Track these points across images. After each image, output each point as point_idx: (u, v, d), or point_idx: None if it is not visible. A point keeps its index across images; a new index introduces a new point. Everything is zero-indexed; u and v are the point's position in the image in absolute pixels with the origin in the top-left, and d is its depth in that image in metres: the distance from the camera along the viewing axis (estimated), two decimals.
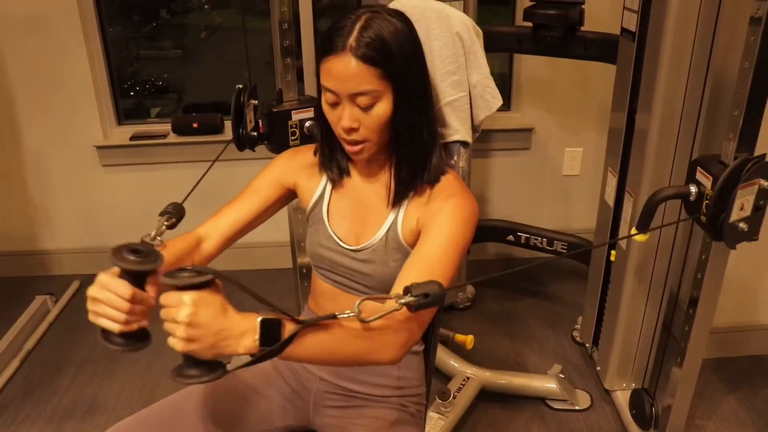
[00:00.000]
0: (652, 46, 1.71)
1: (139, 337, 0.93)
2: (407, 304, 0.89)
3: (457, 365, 2.16)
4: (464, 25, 1.25)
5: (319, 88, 1.12)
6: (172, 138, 2.68)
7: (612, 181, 2.03)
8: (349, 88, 1.05)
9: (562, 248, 2.48)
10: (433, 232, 1.08)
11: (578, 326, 2.45)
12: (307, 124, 1.97)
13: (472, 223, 1.10)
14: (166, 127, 2.72)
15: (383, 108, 1.07)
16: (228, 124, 2.69)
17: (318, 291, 1.30)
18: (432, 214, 1.11)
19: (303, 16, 1.94)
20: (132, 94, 2.83)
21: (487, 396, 2.13)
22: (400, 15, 1.10)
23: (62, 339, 2.49)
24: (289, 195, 1.30)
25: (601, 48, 2.07)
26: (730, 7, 1.58)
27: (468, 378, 2.11)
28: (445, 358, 2.19)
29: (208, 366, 0.86)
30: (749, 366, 2.30)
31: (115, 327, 0.91)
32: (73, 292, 2.78)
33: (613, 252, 1.99)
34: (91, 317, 0.92)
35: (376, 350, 0.97)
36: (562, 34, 2.11)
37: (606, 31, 2.05)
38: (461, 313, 2.61)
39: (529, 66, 2.67)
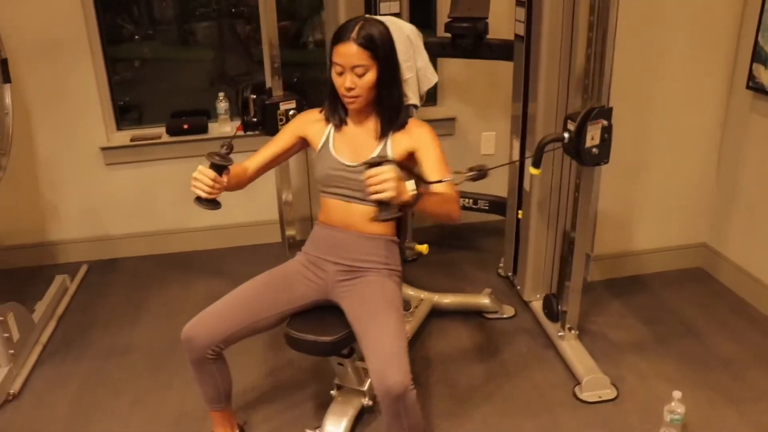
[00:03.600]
0: (535, 50, 2.46)
1: (215, 202, 1.72)
2: (473, 177, 1.69)
3: (412, 292, 2.83)
4: (412, 31, 1.96)
5: (330, 66, 1.81)
6: (166, 138, 3.24)
7: (516, 144, 2.77)
8: (351, 62, 1.75)
9: (483, 205, 3.21)
10: (428, 146, 1.84)
11: (501, 265, 3.17)
12: (291, 113, 2.62)
13: (437, 137, 1.86)
14: (158, 130, 3.28)
15: (370, 76, 1.77)
16: (212, 126, 3.29)
17: (328, 207, 1.94)
18: (418, 138, 1.85)
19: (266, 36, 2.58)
20: None
21: (437, 313, 2.81)
22: (381, 22, 1.81)
23: (85, 308, 2.99)
24: (302, 143, 1.97)
25: (502, 50, 2.83)
26: (581, 16, 2.35)
27: (422, 299, 2.79)
28: (403, 288, 2.85)
29: (395, 209, 1.53)
30: (628, 283, 3.07)
31: (203, 195, 1.68)
32: (83, 274, 3.26)
33: (520, 211, 2.75)
34: (192, 188, 1.68)
35: (454, 210, 1.72)
36: (473, 41, 2.86)
37: (506, 38, 2.81)
38: (409, 265, 3.28)
39: (450, 69, 3.41)
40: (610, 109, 2.07)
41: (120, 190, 3.31)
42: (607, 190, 2.93)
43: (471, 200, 3.25)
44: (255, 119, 2.54)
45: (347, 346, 1.90)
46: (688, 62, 2.76)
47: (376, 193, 1.50)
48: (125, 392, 2.42)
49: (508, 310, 2.86)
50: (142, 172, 3.29)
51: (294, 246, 2.90)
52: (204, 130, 3.27)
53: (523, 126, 2.69)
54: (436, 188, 1.70)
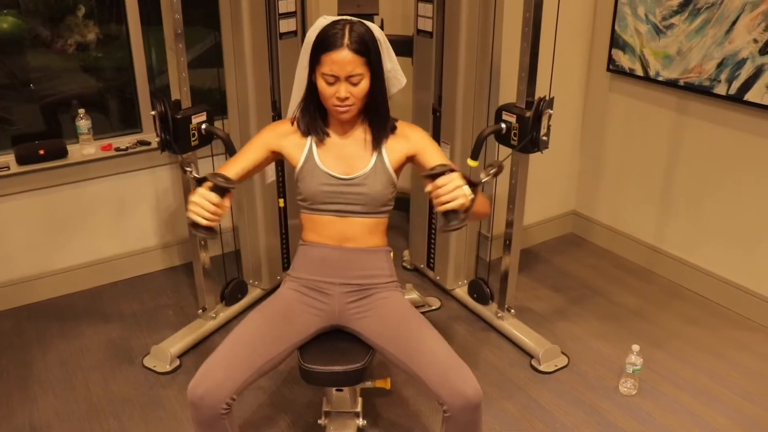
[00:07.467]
0: (451, 45, 2.52)
1: (214, 230, 1.52)
2: (495, 173, 1.59)
3: None
4: (379, 31, 1.86)
5: (312, 75, 1.68)
6: (16, 168, 2.68)
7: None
8: (346, 71, 1.62)
9: None
10: (430, 148, 1.78)
11: (405, 258, 3.21)
12: (204, 126, 2.36)
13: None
14: (5, 158, 2.71)
15: (365, 83, 1.67)
16: (71, 149, 2.80)
17: (319, 225, 1.80)
18: (416, 141, 1.78)
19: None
20: None
21: None
22: (362, 22, 1.69)
23: None
24: (274, 156, 1.81)
25: (398, 46, 2.83)
26: (499, 16, 2.47)
27: None
28: None
29: (464, 216, 1.46)
30: (523, 257, 3.14)
31: (203, 222, 1.48)
32: None
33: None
34: (190, 214, 1.48)
35: (489, 206, 1.71)
36: None
37: (400, 33, 2.82)
38: None
39: None
40: (552, 99, 2.22)
41: None
42: None
43: None
44: (166, 137, 2.23)
45: (370, 369, 1.79)
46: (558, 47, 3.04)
47: (447, 202, 1.45)
48: None
49: (434, 302, 2.92)
50: None
51: (208, 273, 2.62)
52: (63, 154, 2.77)
53: (434, 117, 2.74)
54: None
